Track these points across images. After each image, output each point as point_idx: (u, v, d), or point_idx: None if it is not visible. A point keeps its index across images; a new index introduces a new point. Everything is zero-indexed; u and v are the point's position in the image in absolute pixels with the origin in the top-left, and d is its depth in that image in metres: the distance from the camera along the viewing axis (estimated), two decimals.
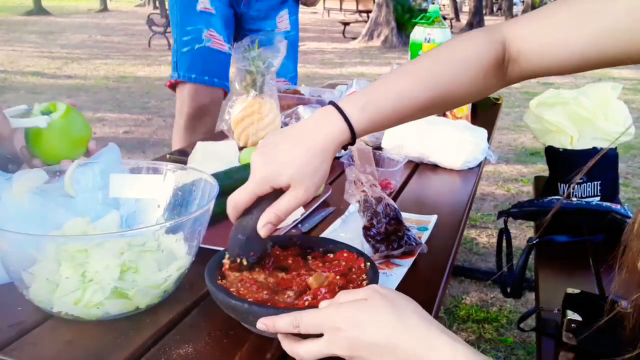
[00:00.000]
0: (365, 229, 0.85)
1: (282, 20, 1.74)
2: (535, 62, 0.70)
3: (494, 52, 0.70)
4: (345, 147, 0.71)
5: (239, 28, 1.94)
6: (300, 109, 1.49)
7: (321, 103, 1.58)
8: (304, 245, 0.77)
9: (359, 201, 0.86)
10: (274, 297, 0.65)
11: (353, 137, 0.68)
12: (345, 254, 0.74)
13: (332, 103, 0.69)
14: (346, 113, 0.67)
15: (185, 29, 1.77)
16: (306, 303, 0.63)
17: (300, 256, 0.75)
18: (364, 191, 0.86)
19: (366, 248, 0.84)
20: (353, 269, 0.71)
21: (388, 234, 0.83)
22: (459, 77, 0.71)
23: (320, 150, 0.67)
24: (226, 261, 0.69)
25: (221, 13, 1.81)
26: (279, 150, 0.67)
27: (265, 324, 0.57)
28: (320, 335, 0.54)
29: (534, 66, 0.70)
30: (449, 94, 0.71)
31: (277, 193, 0.67)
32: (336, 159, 1.34)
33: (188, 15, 1.77)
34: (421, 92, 0.70)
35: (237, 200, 0.68)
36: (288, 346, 0.57)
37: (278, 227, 0.86)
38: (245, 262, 0.68)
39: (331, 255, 0.75)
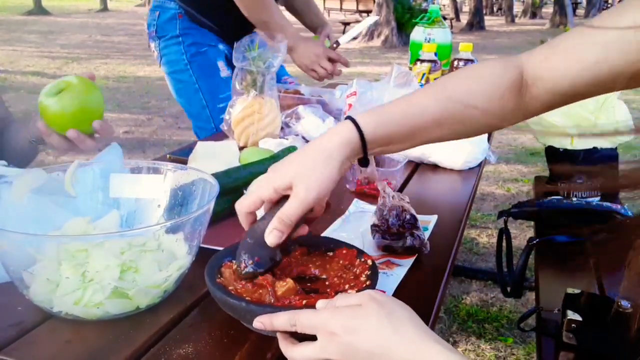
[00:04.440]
0: (375, 226, 0.85)
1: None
2: (550, 86, 0.68)
3: (510, 74, 0.70)
4: (362, 163, 0.69)
5: None
6: (300, 109, 1.49)
7: (321, 103, 1.58)
8: (305, 244, 0.77)
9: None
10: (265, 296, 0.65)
11: (363, 143, 0.67)
12: (344, 251, 0.74)
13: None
14: (353, 116, 0.67)
15: (218, 97, 1.79)
16: (303, 302, 0.63)
17: (303, 255, 0.75)
18: (383, 197, 0.86)
19: (367, 241, 0.84)
20: (354, 267, 0.71)
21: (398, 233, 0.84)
22: (474, 93, 0.70)
23: (323, 149, 0.66)
24: (234, 264, 0.68)
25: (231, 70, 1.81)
26: (287, 157, 0.69)
27: (262, 322, 0.58)
28: (315, 338, 0.54)
29: (549, 90, 0.69)
30: (464, 110, 0.69)
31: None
32: None
33: (216, 84, 1.80)
34: (432, 102, 0.69)
35: (243, 204, 0.68)
36: (284, 347, 0.57)
37: None
38: (248, 269, 0.65)
39: (331, 254, 0.75)
